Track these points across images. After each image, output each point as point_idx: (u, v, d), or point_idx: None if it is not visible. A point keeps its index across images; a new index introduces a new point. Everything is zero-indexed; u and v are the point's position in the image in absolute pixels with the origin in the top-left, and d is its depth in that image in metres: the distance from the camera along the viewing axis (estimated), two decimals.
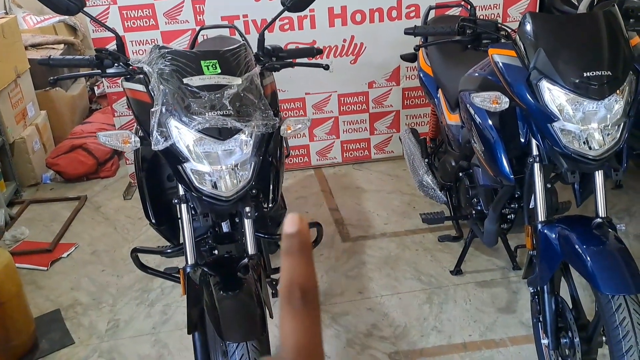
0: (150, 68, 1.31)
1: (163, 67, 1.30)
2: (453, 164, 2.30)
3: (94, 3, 3.07)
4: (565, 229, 1.46)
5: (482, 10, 3.32)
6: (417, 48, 1.72)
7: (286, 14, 1.63)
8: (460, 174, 2.23)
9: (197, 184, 1.37)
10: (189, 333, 1.40)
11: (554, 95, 1.41)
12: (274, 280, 2.38)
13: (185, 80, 1.30)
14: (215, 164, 1.34)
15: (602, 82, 1.36)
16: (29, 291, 2.57)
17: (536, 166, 1.57)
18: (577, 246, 1.39)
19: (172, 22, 3.17)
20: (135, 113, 1.41)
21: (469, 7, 1.71)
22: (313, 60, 1.70)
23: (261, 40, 1.60)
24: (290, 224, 0.33)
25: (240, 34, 2.65)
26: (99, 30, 3.11)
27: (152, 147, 1.32)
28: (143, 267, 1.80)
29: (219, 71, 1.32)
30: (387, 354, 2.05)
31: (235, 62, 1.38)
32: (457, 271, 2.45)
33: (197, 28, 2.82)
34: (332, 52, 3.39)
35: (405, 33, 1.72)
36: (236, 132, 1.32)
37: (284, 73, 3.29)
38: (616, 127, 1.42)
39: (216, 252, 1.74)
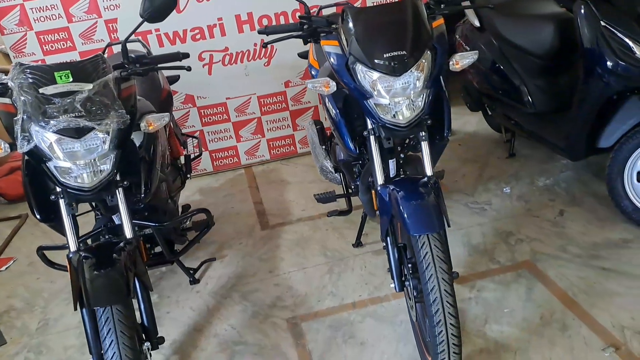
0: (12, 83, 1.54)
1: (22, 80, 1.53)
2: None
3: (12, 31, 3.27)
4: (394, 189, 1.71)
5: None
6: (264, 45, 1.97)
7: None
8: None
9: (61, 179, 1.60)
10: (75, 310, 1.62)
11: (366, 76, 1.67)
12: (190, 270, 2.61)
13: (41, 90, 1.53)
14: (76, 159, 1.57)
15: (401, 61, 1.62)
16: None
17: (371, 138, 1.83)
18: (399, 202, 1.65)
19: (89, 42, 3.39)
20: (4, 123, 1.63)
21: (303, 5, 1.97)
22: (176, 64, 1.92)
23: (124, 50, 1.83)
24: None
25: (144, 46, 2.89)
26: (19, 56, 3.32)
27: (18, 150, 1.55)
28: (50, 264, 2.02)
29: (71, 80, 1.55)
30: (286, 319, 2.29)
31: (89, 70, 1.61)
32: (358, 244, 2.70)
33: (105, 45, 3.04)
34: (246, 57, 3.64)
35: (259, 32, 1.97)
36: (90, 130, 1.55)
37: (202, 80, 3.55)
38: (419, 97, 1.68)
39: None
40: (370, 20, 1.72)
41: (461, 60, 1.74)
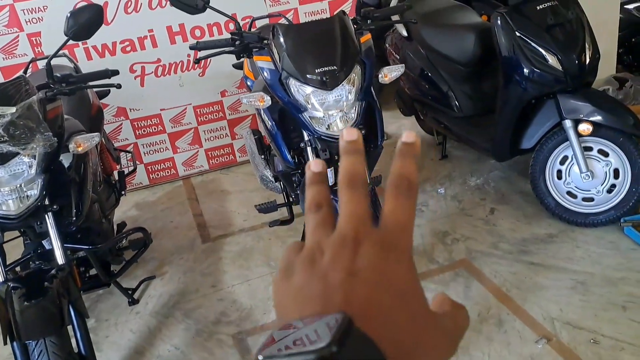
0: None
1: None
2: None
3: None
4: (334, 199, 1.75)
5: (310, 16, 3.65)
6: (196, 61, 1.95)
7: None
8: None
9: None
10: (5, 344, 1.54)
11: (299, 90, 1.70)
12: (129, 290, 2.54)
13: None
14: (1, 186, 1.50)
15: (332, 75, 1.67)
16: None
17: (308, 149, 1.86)
18: None
19: (10, 57, 3.22)
20: None
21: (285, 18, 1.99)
22: (105, 82, 1.87)
23: (49, 69, 1.77)
24: (408, 137, 0.42)
25: (71, 61, 2.79)
26: None
27: None
28: None
29: None
30: (231, 335, 2.27)
31: (12, 92, 1.54)
32: None
33: (29, 60, 2.90)
34: (179, 68, 3.58)
35: (190, 48, 1.95)
36: (15, 155, 1.48)
37: (135, 92, 3.47)
38: (352, 109, 1.73)
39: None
40: (300, 36, 1.75)
41: (389, 73, 1.81)
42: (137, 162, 3.63)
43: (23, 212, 1.54)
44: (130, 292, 2.55)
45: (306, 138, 1.86)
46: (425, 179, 3.25)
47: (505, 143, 2.62)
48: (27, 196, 1.54)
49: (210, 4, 1.86)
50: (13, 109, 1.48)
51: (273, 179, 2.75)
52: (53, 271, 1.60)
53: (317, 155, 1.88)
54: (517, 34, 2.35)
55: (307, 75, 1.66)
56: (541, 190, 2.56)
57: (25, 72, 2.80)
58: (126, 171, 2.85)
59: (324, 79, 1.65)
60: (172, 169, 3.85)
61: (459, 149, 3.50)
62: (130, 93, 3.49)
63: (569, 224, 2.55)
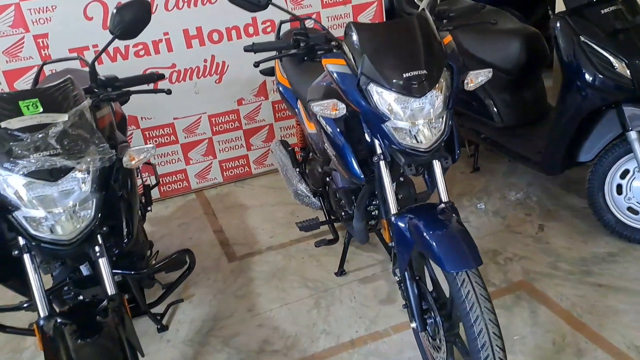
0: None
1: None
2: (319, 170, 2.38)
3: None
4: (413, 218, 1.57)
5: (333, 20, 3.49)
6: (256, 64, 1.76)
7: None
8: (327, 179, 2.31)
9: (33, 232, 1.29)
10: None
11: (382, 98, 1.52)
12: (157, 315, 2.31)
13: (2, 124, 1.23)
14: (51, 207, 1.27)
15: (420, 81, 1.49)
16: None
17: (382, 164, 1.67)
18: (424, 233, 1.50)
19: (14, 60, 2.97)
20: None
21: (311, 19, 1.80)
22: (153, 87, 1.66)
23: (92, 72, 1.55)
24: None
25: (86, 62, 2.55)
26: None
27: None
28: (0, 327, 1.66)
29: (41, 110, 1.26)
30: None
31: (60, 98, 1.32)
32: (340, 272, 2.53)
33: (41, 63, 2.67)
34: (195, 74, 3.37)
35: (245, 50, 1.75)
36: (69, 171, 1.26)
37: (147, 100, 3.24)
38: (440, 119, 1.56)
39: (81, 297, 1.66)
40: (380, 37, 1.57)
41: (475, 79, 1.64)
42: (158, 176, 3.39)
43: (76, 237, 1.32)
44: (158, 317, 2.31)
45: (379, 151, 1.67)
46: (460, 193, 3.09)
47: (559, 155, 2.47)
48: (80, 218, 1.31)
49: (272, 1, 1.66)
50: (65, 117, 1.27)
51: (311, 194, 2.56)
52: (105, 303, 1.37)
53: (391, 170, 1.69)
54: (581, 38, 2.22)
55: (393, 81, 1.48)
56: (599, 206, 2.42)
57: (37, 77, 2.56)
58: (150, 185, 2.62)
59: (412, 84, 1.47)
60: (185, 181, 3.62)
61: (490, 160, 3.36)
62: (142, 100, 3.25)
63: (630, 242, 2.41)
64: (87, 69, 2.55)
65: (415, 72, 1.48)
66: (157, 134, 3.45)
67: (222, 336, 2.25)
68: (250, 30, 3.36)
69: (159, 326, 2.30)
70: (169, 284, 2.14)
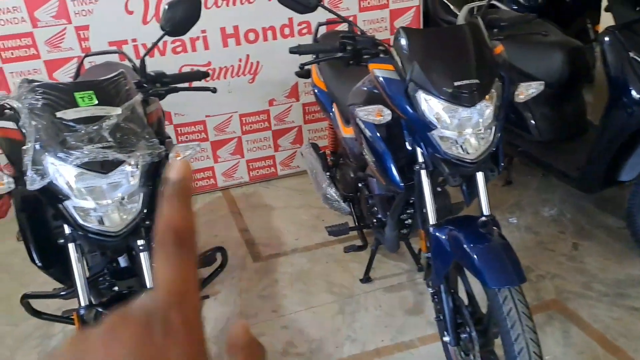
0: (19, 103, 1.23)
1: (34, 101, 1.23)
2: (352, 175, 2.37)
3: None
4: (453, 230, 1.55)
5: (369, 24, 3.48)
6: (302, 66, 1.75)
7: (167, 38, 1.61)
8: (360, 185, 2.30)
9: (81, 222, 1.30)
10: None
11: (430, 105, 1.50)
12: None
13: (58, 114, 1.24)
14: (100, 198, 1.28)
15: (471, 90, 1.47)
16: None
17: (423, 172, 1.66)
18: (464, 245, 1.48)
19: (55, 50, 3.01)
20: (6, 152, 1.32)
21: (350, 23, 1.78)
22: (200, 84, 1.67)
23: (143, 66, 1.56)
24: (174, 171, 0.33)
25: (129, 59, 2.57)
26: None
27: (27, 187, 1.24)
28: (36, 313, 1.68)
29: (96, 102, 1.27)
30: None
31: (114, 91, 1.33)
32: (366, 279, 2.51)
33: (82, 55, 2.70)
34: (229, 73, 3.38)
35: (290, 52, 1.75)
36: (120, 164, 1.27)
37: (180, 97, 3.22)
38: (489, 130, 1.53)
39: (116, 288, 1.67)
40: (431, 44, 1.56)
41: (526, 91, 1.61)
42: None
43: (122, 229, 1.32)
44: None
45: (420, 159, 1.65)
46: (492, 206, 3.02)
47: (599, 173, 2.42)
48: (127, 211, 1.32)
49: (321, 3, 1.66)
50: (119, 110, 1.27)
51: (340, 199, 2.55)
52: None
53: (433, 179, 1.67)
54: (630, 54, 2.17)
55: (443, 89, 1.47)
56: (639, 227, 2.36)
57: (78, 69, 2.60)
58: None
59: (463, 93, 1.46)
60: (212, 179, 3.63)
61: (523, 174, 3.31)
62: (176, 97, 3.28)
63: None
64: (126, 62, 2.60)
65: (467, 81, 1.46)
66: (189, 131, 3.47)
67: None
68: (286, 31, 3.36)
69: None
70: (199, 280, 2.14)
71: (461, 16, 1.88)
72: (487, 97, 1.49)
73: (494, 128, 1.54)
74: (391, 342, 2.14)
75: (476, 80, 1.47)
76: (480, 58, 1.52)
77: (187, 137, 3.47)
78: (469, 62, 1.51)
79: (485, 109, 1.49)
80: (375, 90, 1.73)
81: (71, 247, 1.38)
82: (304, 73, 2.75)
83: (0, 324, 2.47)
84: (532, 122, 2.80)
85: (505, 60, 1.60)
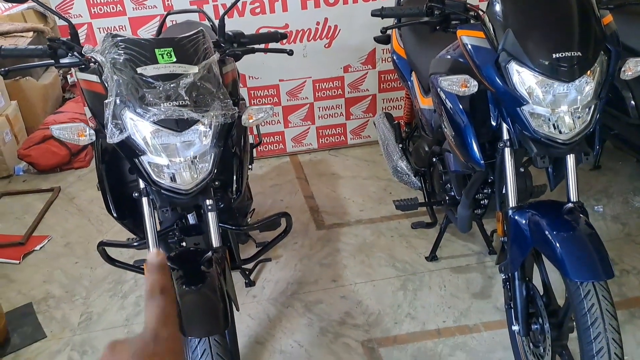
0: (103, 57, 1.25)
1: (116, 56, 1.24)
2: (426, 149, 2.27)
3: None
4: (535, 215, 1.44)
5: None
6: (384, 30, 1.66)
7: None
8: (434, 159, 2.20)
9: (155, 177, 1.32)
10: None
11: (522, 78, 1.38)
12: (246, 270, 2.35)
13: (139, 70, 1.24)
14: (173, 156, 1.29)
15: (572, 64, 1.33)
16: (1, 285, 2.50)
17: (507, 151, 1.54)
18: (546, 232, 1.37)
19: (140, 8, 3.07)
20: (89, 105, 1.35)
21: None
22: (276, 46, 1.62)
23: (221, 25, 1.53)
24: (150, 266, 0.55)
25: (208, 18, 2.57)
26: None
27: (107, 140, 1.27)
28: (110, 260, 1.76)
29: (174, 59, 1.26)
30: (360, 341, 2.03)
31: (192, 49, 1.32)
32: (432, 257, 2.43)
33: (165, 13, 2.73)
34: (306, 36, 3.32)
35: (372, 15, 1.67)
36: (194, 123, 1.27)
37: (256, 60, 3.22)
38: (587, 109, 1.39)
39: (184, 244, 1.70)
40: (530, 10, 1.42)
41: (635, 67, 1.44)
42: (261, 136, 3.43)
43: (193, 188, 1.33)
44: (247, 272, 2.35)
45: (506, 137, 1.54)
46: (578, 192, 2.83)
47: None
48: (198, 170, 1.32)
49: None
50: (196, 69, 1.26)
51: (411, 173, 2.46)
52: (209, 254, 1.39)
53: (516, 159, 1.55)
54: None
55: (540, 60, 1.33)
56: None
57: (160, 26, 2.62)
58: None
59: (561, 66, 1.32)
60: (281, 144, 3.63)
61: (614, 159, 3.06)
62: (252, 60, 3.27)
63: None
64: (205, 22, 2.59)
65: (567, 54, 1.32)
66: (262, 94, 3.46)
67: (306, 301, 2.26)
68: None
69: (247, 281, 2.35)
70: (263, 243, 2.16)
71: None
72: (588, 72, 1.34)
73: (593, 107, 1.40)
74: (454, 324, 2.07)
75: (578, 53, 1.32)
76: (584, 28, 1.37)
77: (259, 101, 3.47)
78: (571, 32, 1.36)
79: (585, 86, 1.35)
80: (461, 59, 1.62)
81: (144, 201, 1.41)
82: (383, 39, 2.64)
83: (79, 265, 2.62)
84: (632, 102, 2.55)
85: (614, 32, 1.43)
